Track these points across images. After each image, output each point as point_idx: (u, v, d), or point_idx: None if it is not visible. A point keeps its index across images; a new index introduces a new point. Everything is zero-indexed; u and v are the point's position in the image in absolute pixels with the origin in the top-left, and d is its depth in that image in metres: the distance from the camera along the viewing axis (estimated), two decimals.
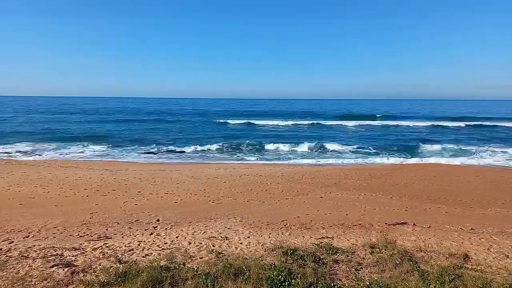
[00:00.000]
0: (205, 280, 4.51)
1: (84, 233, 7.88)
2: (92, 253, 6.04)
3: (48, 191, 12.20)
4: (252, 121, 50.84)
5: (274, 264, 5.17)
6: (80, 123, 46.11)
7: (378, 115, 65.09)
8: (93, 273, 4.87)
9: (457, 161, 21.12)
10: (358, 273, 5.10)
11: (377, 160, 22.04)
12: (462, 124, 46.25)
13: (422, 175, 16.09)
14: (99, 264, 5.30)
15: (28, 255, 5.75)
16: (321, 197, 12.00)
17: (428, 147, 26.63)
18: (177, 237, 7.39)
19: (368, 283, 4.63)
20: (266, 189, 12.95)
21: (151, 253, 6.12)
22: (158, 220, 9.13)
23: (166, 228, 8.34)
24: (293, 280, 4.59)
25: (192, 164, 20.51)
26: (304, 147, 26.19)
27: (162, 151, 24.98)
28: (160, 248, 6.49)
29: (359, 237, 7.49)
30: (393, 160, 21.94)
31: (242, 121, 50.91)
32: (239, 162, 21.33)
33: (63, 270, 4.98)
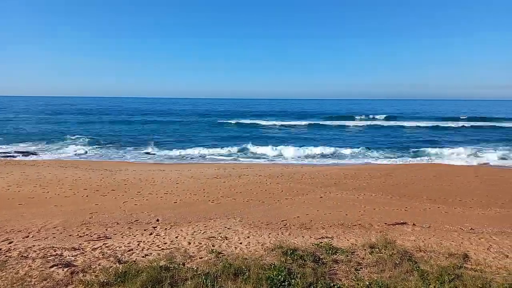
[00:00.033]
0: (204, 280, 4.51)
1: (83, 233, 7.87)
2: (91, 253, 6.04)
3: (48, 191, 12.19)
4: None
5: (274, 264, 5.17)
6: (80, 123, 46.10)
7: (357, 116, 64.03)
8: (92, 273, 4.86)
9: (453, 161, 21.16)
10: (358, 273, 5.11)
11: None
12: (452, 124, 46.41)
13: (422, 175, 16.09)
14: (99, 264, 5.30)
15: (27, 255, 5.75)
16: (321, 197, 12.00)
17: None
18: (176, 237, 7.39)
19: (367, 283, 4.63)
20: (265, 189, 12.95)
21: (151, 253, 6.11)
22: (157, 220, 9.13)
23: (165, 228, 8.34)
24: (293, 280, 4.59)
25: (191, 164, 20.52)
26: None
27: (159, 151, 24.97)
28: (160, 248, 6.49)
29: (358, 237, 7.49)
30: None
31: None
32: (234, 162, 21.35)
33: (63, 270, 4.97)
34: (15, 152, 23.40)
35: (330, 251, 5.96)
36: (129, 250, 6.30)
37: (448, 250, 6.22)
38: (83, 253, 6.02)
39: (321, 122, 50.74)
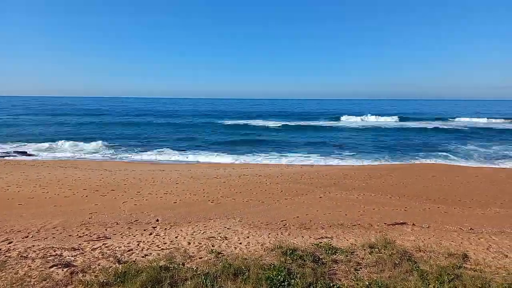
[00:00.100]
0: (204, 280, 4.51)
1: (83, 233, 7.87)
2: (91, 253, 6.04)
3: (47, 191, 12.19)
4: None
5: (274, 264, 5.17)
6: (80, 123, 46.10)
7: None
8: (92, 273, 4.86)
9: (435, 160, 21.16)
10: (357, 273, 5.11)
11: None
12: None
13: (421, 175, 16.10)
14: (98, 264, 5.30)
15: (27, 255, 5.74)
16: (320, 197, 12.00)
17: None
18: (176, 237, 7.39)
19: (367, 283, 4.63)
20: (265, 189, 12.95)
21: (151, 253, 6.11)
22: (157, 220, 9.12)
23: (165, 228, 8.34)
24: (293, 280, 4.59)
25: (191, 164, 20.52)
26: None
27: (158, 150, 24.98)
28: (160, 248, 6.49)
29: (358, 237, 7.49)
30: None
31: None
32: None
33: (62, 270, 4.97)
34: (15, 152, 23.39)
35: (330, 251, 5.96)
36: (128, 250, 6.30)
37: (447, 250, 6.23)
38: (82, 253, 6.02)
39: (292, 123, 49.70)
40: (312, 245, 6.40)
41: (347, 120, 58.24)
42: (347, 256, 5.80)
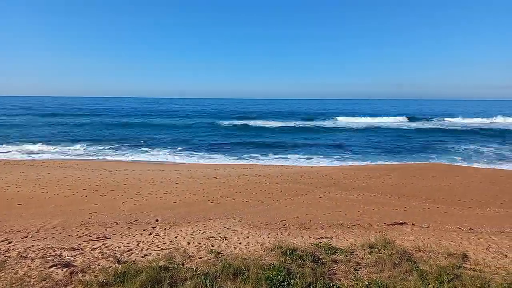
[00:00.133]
0: (204, 280, 4.51)
1: (83, 233, 7.86)
2: (91, 253, 6.04)
3: (47, 191, 12.18)
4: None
5: (273, 264, 5.17)
6: (81, 123, 46.08)
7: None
8: (92, 273, 4.86)
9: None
10: (357, 273, 5.11)
11: None
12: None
13: (421, 175, 16.11)
14: (98, 264, 5.29)
15: (26, 255, 5.74)
16: (320, 197, 12.00)
17: None
18: (176, 237, 7.39)
19: (367, 283, 4.63)
20: (265, 189, 12.95)
21: (150, 253, 6.11)
22: (157, 220, 9.12)
23: (165, 228, 8.33)
24: (292, 280, 4.60)
25: (191, 164, 20.51)
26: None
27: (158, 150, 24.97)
28: (159, 248, 6.49)
29: (358, 237, 7.50)
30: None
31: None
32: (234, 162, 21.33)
33: (62, 270, 4.97)
34: (14, 152, 23.37)
35: (329, 251, 5.97)
36: (128, 250, 6.30)
37: (447, 250, 6.23)
38: (82, 253, 6.01)
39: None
40: (312, 245, 6.40)
41: (355, 121, 56.66)
42: (346, 256, 5.80)
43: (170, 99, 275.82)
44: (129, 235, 7.69)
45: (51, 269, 5.01)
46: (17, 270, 4.97)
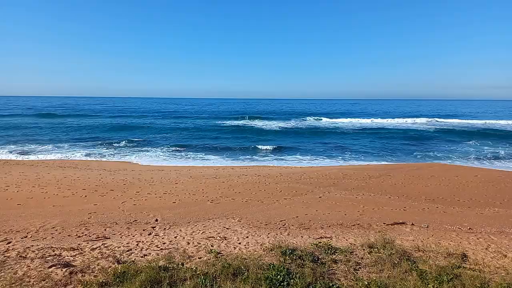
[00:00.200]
0: (203, 280, 4.51)
1: (82, 233, 7.86)
2: (90, 253, 6.03)
3: (46, 191, 12.17)
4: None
5: (273, 264, 5.17)
6: (82, 124, 46.03)
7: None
8: (91, 273, 4.86)
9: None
10: (357, 273, 5.11)
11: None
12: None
13: (420, 175, 16.12)
14: (98, 265, 5.29)
15: (26, 255, 5.73)
16: (320, 197, 12.00)
17: None
18: (175, 237, 7.38)
19: (366, 283, 4.64)
20: (264, 189, 12.95)
21: (150, 253, 6.11)
22: (156, 220, 9.12)
23: (164, 228, 8.33)
24: (292, 280, 4.60)
25: (190, 165, 20.50)
26: None
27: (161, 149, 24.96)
28: (159, 248, 6.48)
29: (357, 237, 7.50)
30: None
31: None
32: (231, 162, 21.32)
33: (61, 270, 4.96)
34: (14, 152, 23.35)
35: (329, 251, 5.97)
36: (128, 250, 6.30)
37: (446, 250, 6.24)
38: (81, 253, 6.01)
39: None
40: (312, 245, 6.40)
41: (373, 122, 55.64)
42: (346, 256, 5.80)
43: (166, 99, 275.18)
44: (129, 235, 7.68)
45: (51, 269, 5.00)
46: (17, 270, 4.96)
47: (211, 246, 6.59)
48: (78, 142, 28.59)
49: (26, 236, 7.50)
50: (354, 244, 6.70)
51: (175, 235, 7.62)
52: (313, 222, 9.12)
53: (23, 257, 5.62)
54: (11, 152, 23.29)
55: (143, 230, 8.18)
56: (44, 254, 5.79)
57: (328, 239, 7.26)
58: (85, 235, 7.71)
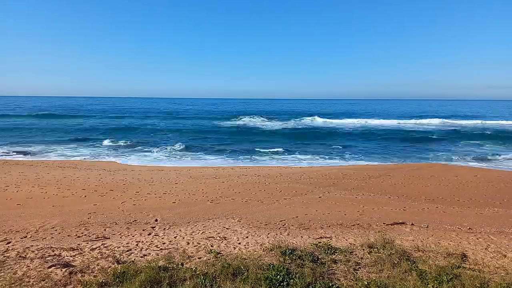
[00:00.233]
0: (203, 280, 4.51)
1: (82, 233, 7.85)
2: (90, 253, 6.03)
3: (46, 191, 12.16)
4: None
5: (273, 264, 5.17)
6: (81, 124, 46.04)
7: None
8: (91, 274, 4.86)
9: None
10: (356, 273, 5.11)
11: None
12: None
13: (420, 175, 16.12)
14: (97, 265, 5.29)
15: (26, 255, 5.73)
16: (320, 197, 12.00)
17: None
18: (175, 237, 7.38)
19: (366, 283, 4.64)
20: (264, 189, 12.95)
21: (149, 253, 6.10)
22: (156, 220, 9.11)
23: (164, 228, 8.33)
24: (292, 280, 4.60)
25: (190, 165, 20.50)
26: None
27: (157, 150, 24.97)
28: (158, 248, 6.48)
29: (357, 237, 7.50)
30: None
31: None
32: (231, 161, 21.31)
33: (61, 270, 4.96)
34: (13, 152, 23.33)
35: (329, 251, 5.97)
36: (127, 250, 6.29)
37: (446, 250, 6.24)
38: (81, 253, 6.00)
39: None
40: (311, 245, 6.40)
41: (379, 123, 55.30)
42: (346, 256, 5.80)
43: (165, 99, 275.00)
44: (128, 235, 7.68)
45: (50, 269, 5.00)
46: (16, 270, 4.96)
47: (211, 246, 6.59)
48: (77, 142, 28.58)
49: (26, 236, 7.49)
50: (354, 244, 6.70)
51: (175, 235, 7.61)
52: (313, 222, 9.12)
53: (23, 257, 5.61)
54: (10, 152, 23.27)
55: (143, 230, 8.18)
56: (44, 254, 5.79)
57: (328, 239, 7.26)
58: (85, 235, 7.70)
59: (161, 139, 32.13)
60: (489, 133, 38.69)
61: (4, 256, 5.66)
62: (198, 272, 4.80)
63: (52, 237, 7.48)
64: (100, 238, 7.32)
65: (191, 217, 9.45)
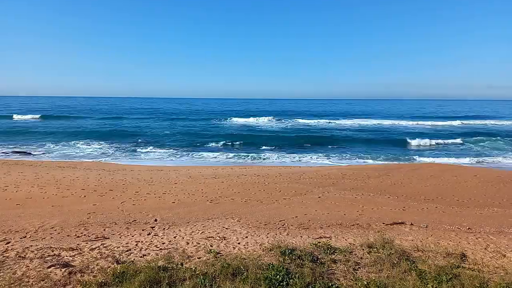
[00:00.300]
0: (203, 280, 4.50)
1: (81, 233, 7.85)
2: (89, 253, 6.02)
3: (46, 191, 12.15)
4: None
5: (272, 264, 5.17)
6: (81, 124, 46.00)
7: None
8: (90, 274, 4.85)
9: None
10: (356, 273, 5.11)
11: None
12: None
13: (419, 175, 16.13)
14: (97, 265, 5.28)
15: (25, 255, 5.72)
16: (319, 197, 12.01)
17: None
18: (175, 237, 7.38)
19: (365, 283, 4.64)
20: (264, 189, 12.95)
21: (149, 253, 6.10)
22: (155, 220, 9.11)
23: (164, 228, 8.32)
24: (291, 280, 4.59)
25: (189, 165, 20.50)
26: None
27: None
28: (158, 248, 6.48)
29: (357, 237, 7.50)
30: None
31: None
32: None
33: (61, 270, 4.95)
34: (13, 152, 23.31)
35: (328, 251, 5.97)
36: (127, 250, 6.29)
37: (445, 250, 6.24)
38: (81, 253, 6.00)
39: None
40: (311, 245, 6.40)
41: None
42: (345, 256, 5.81)
43: (164, 99, 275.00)
44: (128, 235, 7.67)
45: (50, 269, 5.00)
46: (16, 270, 4.95)
47: (211, 246, 6.59)
48: (77, 143, 28.56)
49: (25, 236, 7.49)
50: (353, 244, 6.70)
51: (174, 235, 7.61)
52: (312, 222, 9.12)
53: (22, 257, 5.61)
54: (10, 152, 23.24)
55: (142, 230, 8.18)
56: (43, 254, 5.78)
57: (327, 239, 7.26)
58: (84, 235, 7.70)
59: (160, 139, 32.11)
60: (489, 132, 38.73)
61: (4, 256, 5.66)
62: (197, 272, 4.80)
63: (51, 237, 7.48)
64: (99, 238, 7.32)
65: (191, 217, 9.45)
